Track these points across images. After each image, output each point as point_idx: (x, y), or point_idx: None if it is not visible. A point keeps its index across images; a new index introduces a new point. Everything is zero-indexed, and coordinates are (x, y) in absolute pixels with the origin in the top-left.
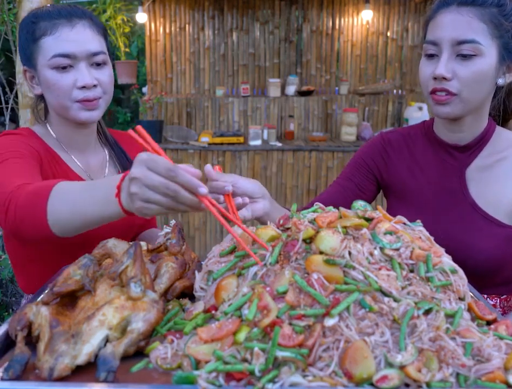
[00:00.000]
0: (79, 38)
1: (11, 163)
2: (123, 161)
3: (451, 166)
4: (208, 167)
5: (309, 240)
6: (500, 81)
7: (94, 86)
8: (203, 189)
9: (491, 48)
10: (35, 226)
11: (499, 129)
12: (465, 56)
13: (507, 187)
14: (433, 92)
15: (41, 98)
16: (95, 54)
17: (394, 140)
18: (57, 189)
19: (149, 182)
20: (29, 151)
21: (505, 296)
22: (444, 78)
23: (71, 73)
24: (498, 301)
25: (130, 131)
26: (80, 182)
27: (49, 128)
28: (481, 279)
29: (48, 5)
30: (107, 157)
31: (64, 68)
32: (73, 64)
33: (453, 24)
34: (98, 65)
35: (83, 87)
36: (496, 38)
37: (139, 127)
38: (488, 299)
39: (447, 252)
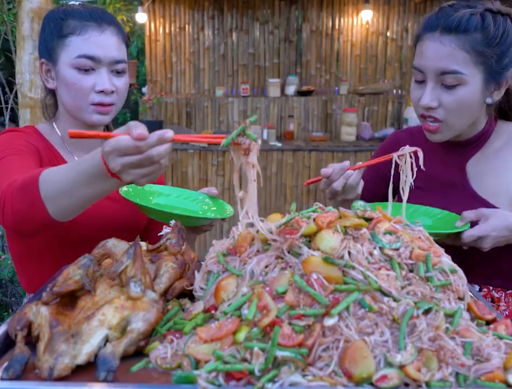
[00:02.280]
0: (107, 43)
1: (7, 160)
2: None
3: (453, 160)
4: (325, 170)
5: (309, 238)
6: (489, 100)
7: (112, 92)
8: (170, 133)
9: (474, 76)
10: (37, 219)
11: (500, 123)
12: (449, 84)
13: (506, 177)
14: (423, 116)
15: (52, 93)
16: (118, 62)
17: (403, 139)
18: (44, 178)
19: (130, 166)
20: (28, 147)
21: (510, 291)
22: (430, 107)
23: (91, 76)
24: (503, 295)
25: (70, 133)
26: (64, 165)
27: (55, 126)
28: (486, 269)
29: (77, 3)
30: None
31: (86, 70)
32: (95, 68)
33: (436, 54)
34: (118, 72)
35: (102, 91)
36: (479, 64)
37: (71, 132)
38: (493, 291)
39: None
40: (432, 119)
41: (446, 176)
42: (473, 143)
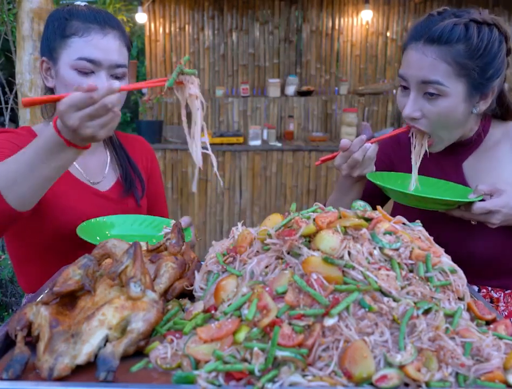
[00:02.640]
0: (108, 47)
1: None
2: (124, 163)
3: (449, 161)
4: (344, 140)
5: (308, 239)
6: (475, 111)
7: None
8: (117, 84)
9: (456, 88)
10: None
11: (494, 123)
12: (432, 95)
13: (503, 174)
14: (408, 125)
15: (51, 92)
16: (119, 66)
17: (403, 138)
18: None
19: (87, 118)
20: (12, 150)
21: (509, 291)
22: (413, 118)
23: (90, 78)
24: (502, 295)
25: (23, 102)
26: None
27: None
28: (485, 268)
29: (83, 4)
30: (108, 159)
31: (85, 72)
32: (94, 70)
33: (418, 64)
34: (117, 77)
35: None
36: (461, 76)
37: (24, 100)
38: (492, 291)
39: (449, 245)
40: (417, 129)
41: (442, 177)
42: (468, 144)
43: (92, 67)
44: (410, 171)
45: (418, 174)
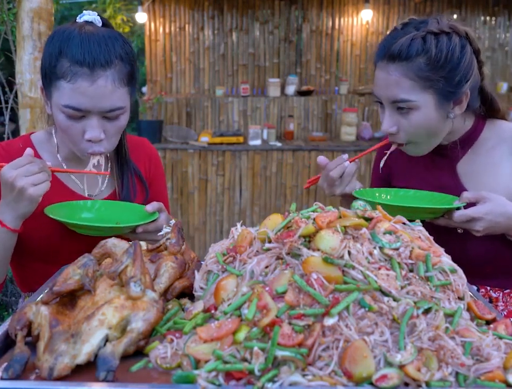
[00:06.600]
0: (98, 93)
1: None
2: (125, 173)
3: (442, 162)
4: (321, 158)
5: (308, 238)
6: (451, 116)
7: (101, 140)
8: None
9: (425, 100)
10: None
11: (490, 123)
12: (403, 109)
13: (500, 175)
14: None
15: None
16: (111, 110)
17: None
18: None
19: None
20: None
21: (508, 290)
22: (391, 133)
23: (81, 122)
24: (501, 294)
25: None
26: None
27: (53, 135)
28: (483, 268)
29: (78, 31)
30: (108, 170)
31: (75, 117)
32: (85, 115)
33: (384, 83)
34: (110, 119)
35: (90, 140)
36: (427, 88)
37: None
38: (491, 291)
39: (447, 246)
40: (397, 144)
41: (436, 178)
42: (461, 145)
43: (80, 113)
44: (406, 182)
45: (414, 182)
